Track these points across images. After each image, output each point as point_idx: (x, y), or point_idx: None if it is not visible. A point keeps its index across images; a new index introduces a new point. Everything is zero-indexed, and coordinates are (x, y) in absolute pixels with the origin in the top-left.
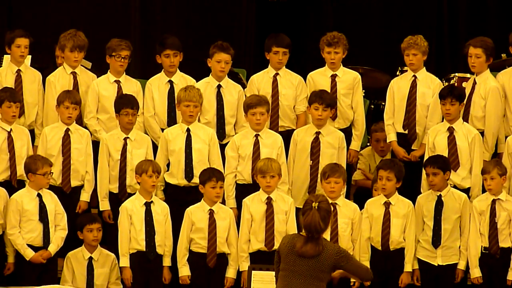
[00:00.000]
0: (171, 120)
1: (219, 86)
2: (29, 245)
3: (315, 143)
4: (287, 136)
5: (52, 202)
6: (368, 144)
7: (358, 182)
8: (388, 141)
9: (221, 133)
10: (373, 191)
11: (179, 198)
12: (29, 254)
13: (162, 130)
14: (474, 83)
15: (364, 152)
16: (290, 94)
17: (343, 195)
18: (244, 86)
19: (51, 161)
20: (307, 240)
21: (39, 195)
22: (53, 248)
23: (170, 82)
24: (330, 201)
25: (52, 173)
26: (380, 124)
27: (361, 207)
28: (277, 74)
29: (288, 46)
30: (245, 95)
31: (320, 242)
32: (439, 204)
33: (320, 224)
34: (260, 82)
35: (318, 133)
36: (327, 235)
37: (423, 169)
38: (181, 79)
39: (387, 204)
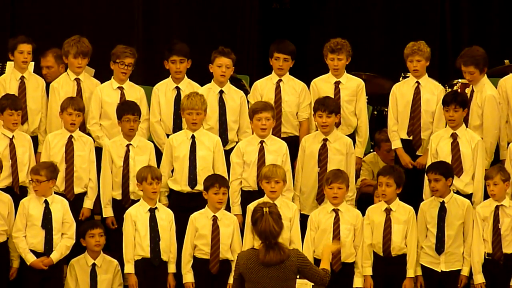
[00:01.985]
0: (177, 127)
1: (221, 92)
2: (32, 251)
3: (322, 150)
4: (289, 142)
5: (61, 210)
6: (372, 150)
7: (361, 189)
8: (393, 147)
9: (224, 139)
10: (374, 198)
11: (183, 205)
12: (30, 258)
13: (168, 136)
14: (472, 91)
15: (367, 159)
16: (293, 101)
17: (349, 201)
18: (247, 92)
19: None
20: (267, 247)
21: (46, 202)
22: (55, 256)
23: (177, 88)
24: (333, 207)
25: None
26: (386, 133)
27: (364, 213)
28: (280, 80)
29: (291, 53)
30: (248, 101)
31: (281, 247)
32: (442, 211)
33: (275, 228)
34: (263, 88)
35: (325, 140)
36: (328, 240)
37: (425, 175)
38: (188, 86)
39: (387, 211)
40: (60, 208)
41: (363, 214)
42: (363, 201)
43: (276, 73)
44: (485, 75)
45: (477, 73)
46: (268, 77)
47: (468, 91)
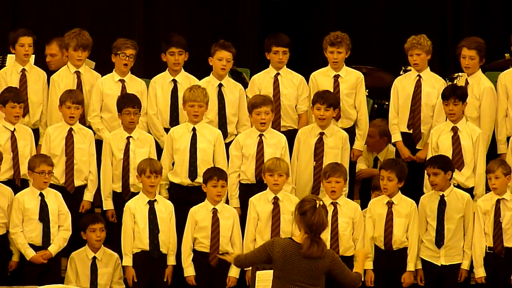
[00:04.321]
0: (174, 120)
1: (220, 85)
2: (30, 245)
3: (318, 144)
4: (289, 136)
5: (56, 202)
6: None
7: (363, 172)
8: (393, 141)
9: (223, 132)
10: (371, 194)
11: (183, 198)
12: (29, 253)
13: (165, 129)
14: (466, 83)
15: (364, 147)
16: (291, 94)
17: (344, 194)
18: (247, 86)
19: (52, 161)
20: (312, 240)
21: (41, 195)
22: (54, 249)
23: (174, 81)
24: (331, 201)
25: (52, 173)
26: (373, 122)
27: (367, 202)
28: (278, 74)
29: (288, 45)
30: (246, 95)
31: (324, 244)
32: (442, 204)
33: (326, 222)
34: (261, 82)
35: (321, 133)
36: (327, 234)
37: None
38: (185, 79)
39: (389, 204)
40: (55, 200)
41: (366, 204)
42: (367, 192)
43: (276, 66)
44: (480, 69)
45: (476, 60)
46: (265, 71)
47: (461, 83)
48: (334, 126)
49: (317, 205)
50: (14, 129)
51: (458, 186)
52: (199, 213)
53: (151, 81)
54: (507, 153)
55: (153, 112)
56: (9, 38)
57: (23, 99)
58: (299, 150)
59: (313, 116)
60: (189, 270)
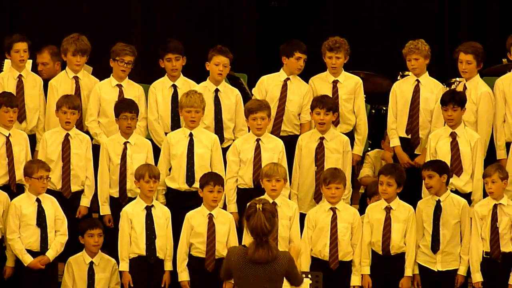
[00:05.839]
0: (175, 124)
1: (216, 91)
2: (28, 250)
3: (319, 149)
4: (289, 141)
5: (52, 207)
6: (370, 149)
7: (362, 180)
8: (391, 145)
9: (219, 138)
10: (367, 199)
11: (180, 203)
12: (27, 259)
13: (166, 134)
14: (465, 88)
15: (371, 154)
16: (296, 101)
17: (343, 200)
18: (245, 91)
19: (49, 166)
20: (257, 245)
21: (38, 200)
22: (51, 254)
23: (174, 86)
24: (330, 206)
25: (49, 178)
26: None
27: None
28: (288, 79)
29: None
30: (252, 95)
31: (271, 246)
32: (437, 209)
33: (266, 225)
34: (270, 84)
35: (322, 138)
36: (326, 239)
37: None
38: (185, 84)
39: (387, 209)
40: (51, 205)
41: (364, 210)
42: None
43: (295, 72)
44: (478, 74)
45: (473, 64)
46: (276, 74)
47: (460, 88)
48: (334, 131)
49: (257, 209)
50: (9, 134)
51: (456, 192)
52: (195, 218)
53: (150, 87)
54: (509, 159)
55: (154, 118)
56: (4, 44)
57: (16, 103)
58: (300, 156)
59: (313, 122)
60: (183, 275)
